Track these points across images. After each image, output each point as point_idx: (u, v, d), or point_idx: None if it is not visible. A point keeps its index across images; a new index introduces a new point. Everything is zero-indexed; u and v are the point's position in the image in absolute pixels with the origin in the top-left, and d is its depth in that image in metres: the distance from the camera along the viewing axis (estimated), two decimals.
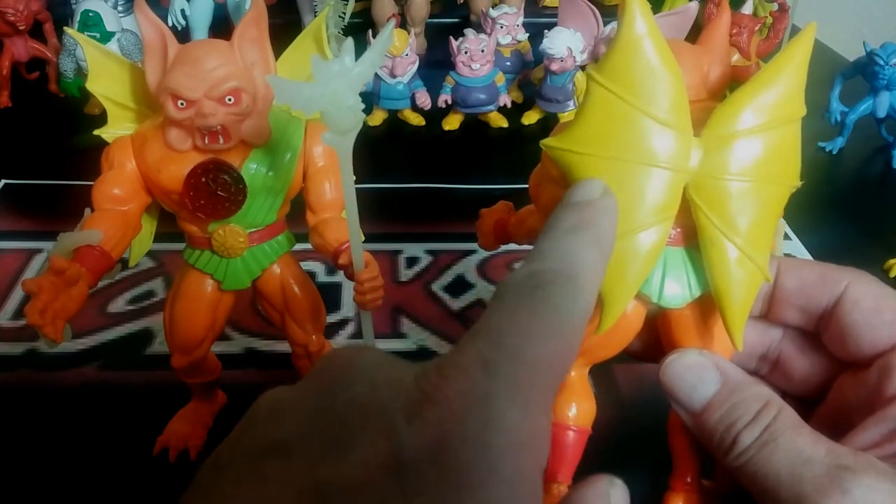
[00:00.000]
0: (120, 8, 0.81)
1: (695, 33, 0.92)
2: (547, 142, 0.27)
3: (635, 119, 0.25)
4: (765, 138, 0.25)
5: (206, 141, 0.36)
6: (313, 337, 0.43)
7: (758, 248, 0.26)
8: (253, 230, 0.40)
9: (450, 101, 0.83)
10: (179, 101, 0.35)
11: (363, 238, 0.36)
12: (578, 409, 0.30)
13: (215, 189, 0.37)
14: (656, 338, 0.30)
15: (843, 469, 0.23)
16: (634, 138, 0.25)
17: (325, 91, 0.30)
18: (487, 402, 0.18)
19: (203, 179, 0.36)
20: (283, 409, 0.21)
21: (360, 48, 0.31)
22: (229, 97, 0.35)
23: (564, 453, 0.30)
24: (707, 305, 0.27)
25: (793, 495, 0.23)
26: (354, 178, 0.34)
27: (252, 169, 0.38)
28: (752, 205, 0.25)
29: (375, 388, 0.20)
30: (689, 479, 0.29)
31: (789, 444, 0.24)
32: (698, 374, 0.27)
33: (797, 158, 0.27)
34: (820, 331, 0.29)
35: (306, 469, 0.18)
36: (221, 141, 0.36)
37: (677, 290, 0.27)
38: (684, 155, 0.25)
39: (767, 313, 0.30)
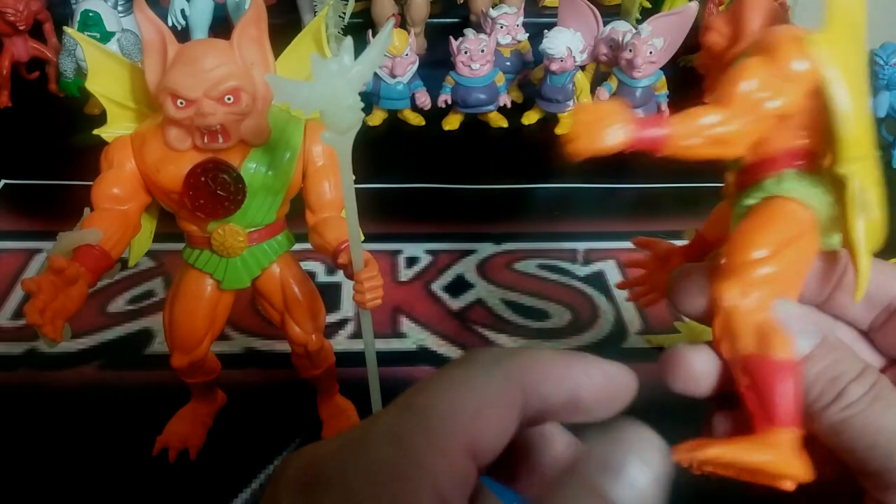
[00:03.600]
0: (120, 8, 0.81)
1: (695, 33, 0.93)
2: None
3: None
4: None
5: (206, 140, 0.36)
6: (312, 336, 0.43)
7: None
8: (252, 230, 0.40)
9: (450, 101, 0.83)
10: (179, 101, 0.35)
11: (363, 238, 0.36)
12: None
13: (215, 188, 0.37)
14: None
15: None
16: None
17: (324, 90, 0.30)
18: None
19: (202, 179, 0.36)
20: None
21: (360, 48, 0.31)
22: (229, 96, 0.35)
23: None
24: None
25: None
26: (354, 177, 0.34)
27: (251, 168, 0.38)
28: None
29: None
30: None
31: None
32: (802, 324, 0.26)
33: None
34: (872, 327, 0.29)
35: None
36: (221, 140, 0.36)
37: None
38: None
39: (825, 302, 0.29)
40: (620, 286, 0.38)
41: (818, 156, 0.27)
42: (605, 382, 0.22)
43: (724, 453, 0.24)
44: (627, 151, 0.26)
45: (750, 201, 0.27)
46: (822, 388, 0.25)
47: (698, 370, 0.27)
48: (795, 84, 0.26)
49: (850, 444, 0.24)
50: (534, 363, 0.21)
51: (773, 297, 0.26)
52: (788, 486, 0.24)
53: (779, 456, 0.24)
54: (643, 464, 0.19)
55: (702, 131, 0.26)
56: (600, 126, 0.26)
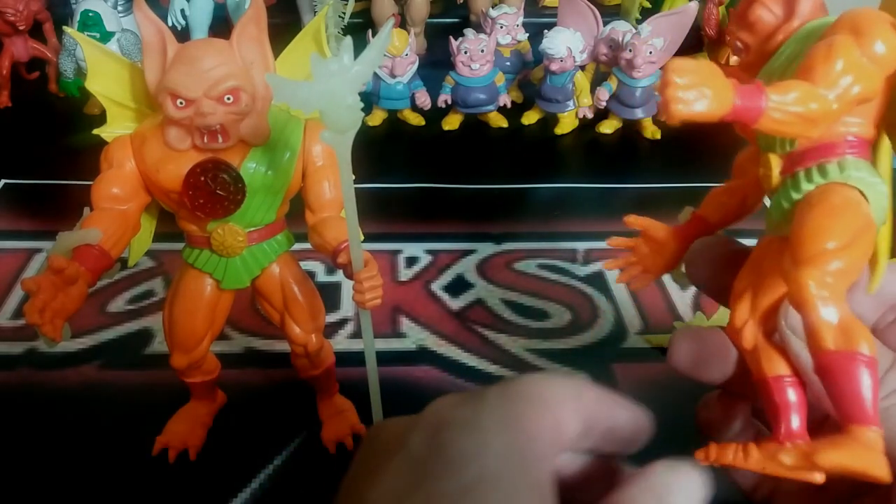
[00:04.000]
0: (120, 8, 0.81)
1: (695, 32, 0.93)
2: None
3: None
4: None
5: (206, 140, 0.36)
6: (312, 336, 0.43)
7: None
8: (252, 229, 0.40)
9: (449, 101, 0.83)
10: (178, 101, 0.35)
11: (362, 237, 0.36)
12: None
13: (214, 188, 0.37)
14: None
15: None
16: None
17: (323, 90, 0.30)
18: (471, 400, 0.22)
19: (202, 178, 0.36)
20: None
21: (360, 48, 0.31)
22: (228, 96, 0.35)
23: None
24: None
25: None
26: (354, 177, 0.34)
27: (251, 168, 0.38)
28: None
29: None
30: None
31: None
32: None
33: None
34: (879, 326, 0.29)
35: None
36: (220, 140, 0.36)
37: None
38: None
39: None
40: (609, 266, 0.36)
41: (871, 144, 0.27)
42: (634, 418, 0.25)
43: (835, 459, 0.23)
44: (718, 122, 0.24)
45: (807, 186, 0.26)
46: None
47: (710, 353, 0.28)
48: (881, 68, 0.25)
49: (890, 434, 0.24)
50: (599, 394, 0.24)
51: (845, 291, 0.24)
52: (819, 479, 0.24)
53: (873, 456, 0.23)
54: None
55: (797, 108, 0.24)
56: (701, 90, 0.23)
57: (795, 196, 0.27)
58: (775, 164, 0.27)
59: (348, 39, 0.31)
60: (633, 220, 0.36)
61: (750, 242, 0.30)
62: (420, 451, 0.22)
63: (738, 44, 0.30)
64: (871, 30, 0.25)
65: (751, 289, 0.28)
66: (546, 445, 0.23)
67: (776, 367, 0.27)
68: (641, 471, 0.23)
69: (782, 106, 0.24)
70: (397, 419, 0.25)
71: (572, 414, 0.24)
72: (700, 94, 0.23)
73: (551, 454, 0.23)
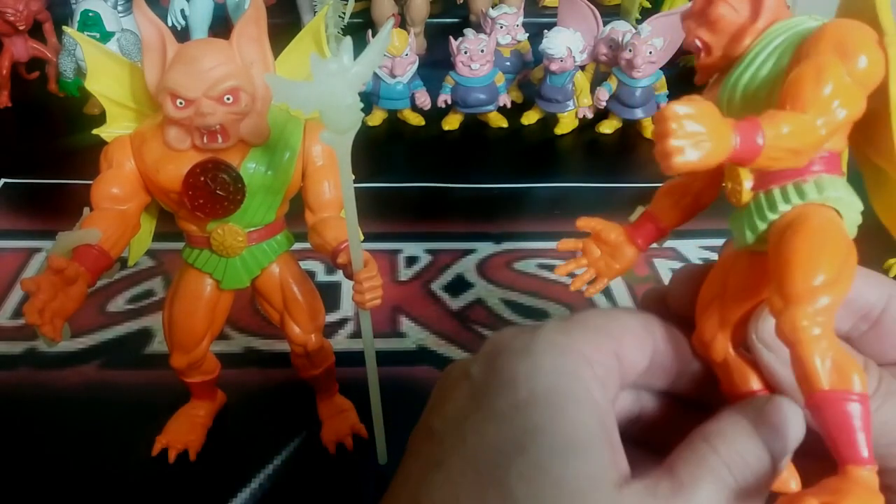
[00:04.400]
0: (119, 8, 0.81)
1: None
2: None
3: None
4: None
5: (205, 140, 0.36)
6: (312, 336, 0.43)
7: None
8: (252, 229, 0.40)
9: (449, 101, 0.83)
10: (178, 101, 0.35)
11: (362, 237, 0.36)
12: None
13: (214, 188, 0.37)
14: None
15: None
16: None
17: (323, 90, 0.30)
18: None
19: (202, 178, 0.36)
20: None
21: (360, 48, 0.31)
22: (228, 96, 0.35)
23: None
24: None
25: None
26: (354, 177, 0.34)
27: (251, 168, 0.38)
28: None
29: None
30: None
31: None
32: None
33: None
34: (853, 335, 0.27)
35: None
36: (220, 140, 0.36)
37: None
38: None
39: None
40: (559, 271, 0.34)
41: (841, 160, 0.26)
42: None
43: None
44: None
45: (784, 207, 0.25)
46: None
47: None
48: (866, 88, 0.24)
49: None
50: (668, 331, 0.26)
51: (834, 323, 0.23)
52: None
53: (872, 498, 0.21)
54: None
55: (791, 143, 0.23)
56: (702, 137, 0.22)
57: (771, 216, 0.25)
58: (746, 178, 0.26)
59: (348, 40, 0.31)
60: (584, 223, 0.34)
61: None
62: (479, 376, 0.23)
63: (697, 42, 0.28)
64: (858, 50, 0.24)
65: (717, 301, 0.27)
66: (605, 371, 0.23)
67: (749, 381, 0.26)
68: (739, 404, 0.24)
69: (777, 142, 0.23)
70: (463, 359, 0.26)
71: (636, 347, 0.24)
72: (701, 143, 0.22)
73: (612, 382, 0.23)
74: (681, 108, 0.22)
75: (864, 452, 0.22)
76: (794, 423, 0.23)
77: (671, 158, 0.22)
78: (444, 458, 0.22)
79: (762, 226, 0.26)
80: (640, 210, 0.33)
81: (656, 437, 0.26)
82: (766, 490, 0.22)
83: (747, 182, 0.26)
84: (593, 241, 0.33)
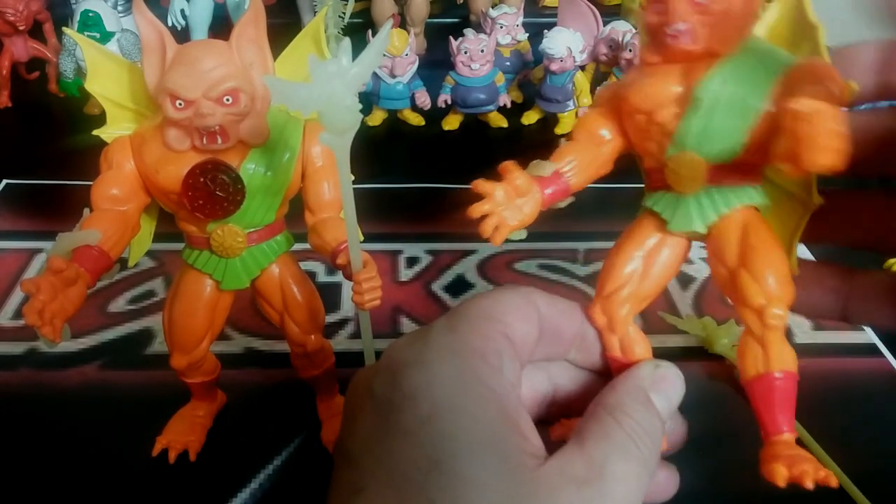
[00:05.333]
0: (119, 8, 0.81)
1: None
2: None
3: None
4: None
5: (205, 141, 0.36)
6: (311, 337, 0.43)
7: None
8: (251, 230, 0.40)
9: (449, 101, 0.83)
10: (177, 102, 0.35)
11: (362, 238, 0.36)
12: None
13: (214, 189, 0.37)
14: None
15: None
16: None
17: (321, 91, 0.30)
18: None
19: (201, 179, 0.36)
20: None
21: (360, 48, 0.31)
22: (227, 97, 0.35)
23: None
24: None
25: None
26: (354, 178, 0.34)
27: (250, 169, 0.38)
28: None
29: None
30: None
31: None
32: None
33: None
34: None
35: None
36: (220, 141, 0.36)
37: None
38: None
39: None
40: (471, 213, 0.32)
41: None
42: (581, 320, 0.28)
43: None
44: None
45: (735, 204, 0.28)
46: None
47: None
48: None
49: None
50: (550, 298, 0.27)
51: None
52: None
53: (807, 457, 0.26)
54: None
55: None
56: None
57: (724, 210, 0.28)
58: (702, 170, 0.27)
59: (346, 41, 0.31)
60: (501, 166, 0.32)
61: None
62: (382, 392, 0.23)
63: (681, 26, 0.27)
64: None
65: (636, 278, 0.29)
66: (500, 358, 0.24)
67: (636, 350, 0.28)
68: (627, 371, 0.26)
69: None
70: (365, 369, 0.26)
71: (522, 321, 0.25)
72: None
73: (509, 365, 0.24)
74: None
75: (793, 421, 0.26)
76: (678, 387, 0.26)
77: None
78: (363, 484, 0.22)
79: (713, 217, 0.28)
80: (548, 165, 0.32)
81: (575, 411, 0.27)
82: (660, 451, 0.25)
83: (702, 173, 0.28)
84: (504, 184, 0.32)
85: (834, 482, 0.24)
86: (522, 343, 0.25)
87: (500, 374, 0.23)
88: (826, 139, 0.22)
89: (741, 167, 0.28)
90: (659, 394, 0.25)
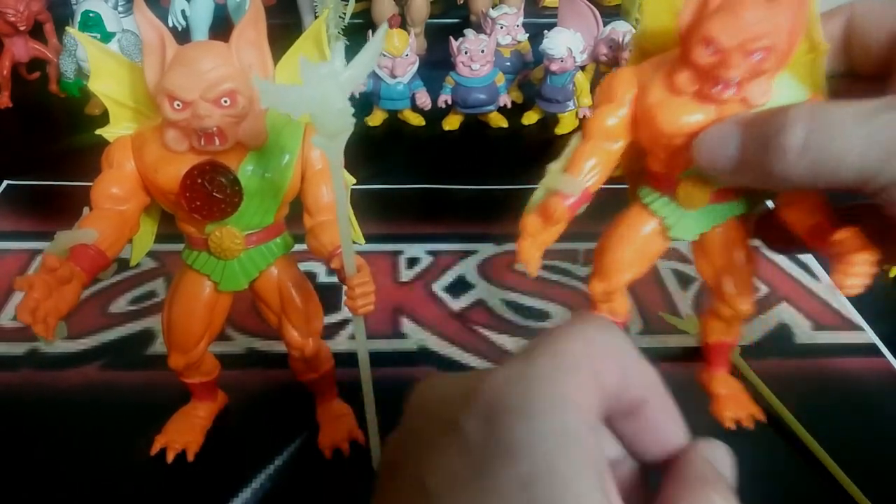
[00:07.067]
0: (120, 8, 0.81)
1: None
2: None
3: None
4: None
5: (203, 142, 0.36)
6: (309, 340, 0.43)
7: None
8: (250, 232, 0.40)
9: (450, 102, 0.83)
10: (175, 102, 0.35)
11: (363, 241, 0.36)
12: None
13: (211, 190, 0.37)
14: None
15: None
16: None
17: (313, 94, 0.30)
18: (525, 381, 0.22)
19: (199, 181, 0.36)
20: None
21: (360, 48, 0.31)
22: (225, 99, 0.35)
23: None
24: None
25: None
26: (354, 179, 0.34)
27: (248, 171, 0.38)
28: None
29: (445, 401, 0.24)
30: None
31: None
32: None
33: None
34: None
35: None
36: (217, 142, 0.36)
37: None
38: None
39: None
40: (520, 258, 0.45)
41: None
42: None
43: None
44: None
45: (719, 222, 0.40)
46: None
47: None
48: None
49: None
50: (634, 348, 0.25)
51: None
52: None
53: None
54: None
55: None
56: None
57: (718, 222, 0.39)
58: (710, 193, 0.37)
59: (340, 43, 0.31)
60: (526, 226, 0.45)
61: None
62: (476, 437, 0.22)
63: (735, 77, 0.33)
64: None
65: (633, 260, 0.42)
66: (594, 416, 0.23)
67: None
68: (679, 463, 0.24)
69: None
70: (444, 381, 0.24)
71: (612, 373, 0.24)
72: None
73: (598, 419, 0.23)
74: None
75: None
76: (730, 467, 0.24)
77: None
78: None
79: (708, 228, 0.39)
80: (574, 181, 0.43)
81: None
82: None
83: (707, 192, 0.39)
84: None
85: (760, 417, 0.43)
86: (610, 393, 0.24)
87: (594, 435, 0.22)
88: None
89: (734, 187, 0.37)
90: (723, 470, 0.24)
